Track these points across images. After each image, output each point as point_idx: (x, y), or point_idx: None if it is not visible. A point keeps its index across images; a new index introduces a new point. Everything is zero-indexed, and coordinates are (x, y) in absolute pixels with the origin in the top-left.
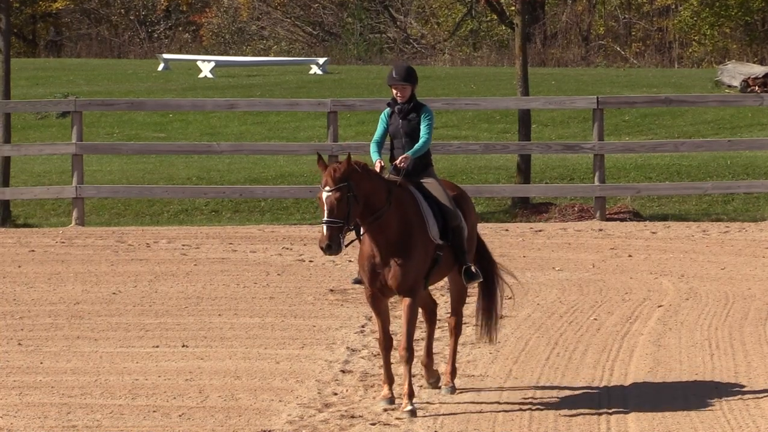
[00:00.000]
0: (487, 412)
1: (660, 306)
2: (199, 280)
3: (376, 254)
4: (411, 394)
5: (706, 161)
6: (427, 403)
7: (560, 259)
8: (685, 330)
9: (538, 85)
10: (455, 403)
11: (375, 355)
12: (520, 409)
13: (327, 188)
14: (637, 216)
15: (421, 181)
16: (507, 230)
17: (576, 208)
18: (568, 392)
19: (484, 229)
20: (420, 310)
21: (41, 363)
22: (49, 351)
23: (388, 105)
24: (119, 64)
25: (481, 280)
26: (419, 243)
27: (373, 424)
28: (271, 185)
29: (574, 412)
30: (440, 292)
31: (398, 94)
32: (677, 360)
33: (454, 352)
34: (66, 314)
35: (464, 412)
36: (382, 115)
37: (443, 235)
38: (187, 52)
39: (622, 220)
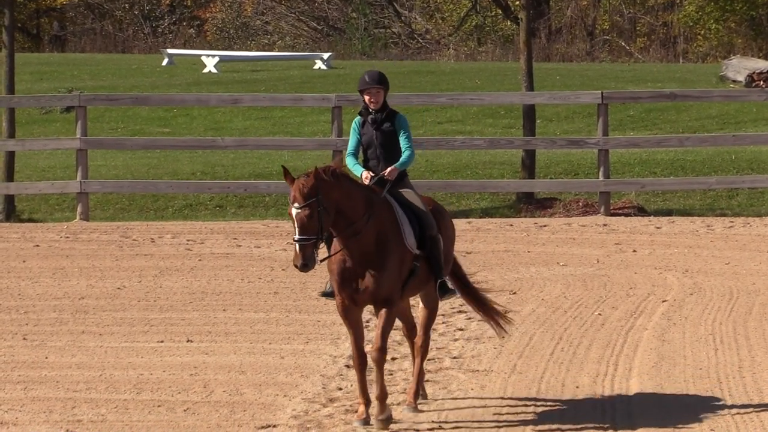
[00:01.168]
0: (491, 407)
1: (664, 301)
2: (204, 275)
3: (347, 260)
4: (384, 396)
5: (711, 156)
6: (432, 399)
7: (565, 254)
8: (690, 325)
9: (542, 80)
10: (460, 398)
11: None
12: (525, 405)
13: (296, 205)
14: (641, 211)
15: (398, 190)
16: (511, 225)
17: (580, 203)
18: (572, 387)
19: (489, 225)
20: (403, 326)
21: (46, 358)
22: (54, 346)
23: (360, 114)
24: (123, 59)
25: (457, 296)
26: (395, 252)
27: (378, 420)
28: (275, 180)
29: (578, 407)
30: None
31: (371, 100)
32: (681, 355)
33: (420, 372)
34: (71, 309)
35: (469, 407)
36: (354, 125)
37: (420, 245)
38: (192, 47)
39: (627, 215)
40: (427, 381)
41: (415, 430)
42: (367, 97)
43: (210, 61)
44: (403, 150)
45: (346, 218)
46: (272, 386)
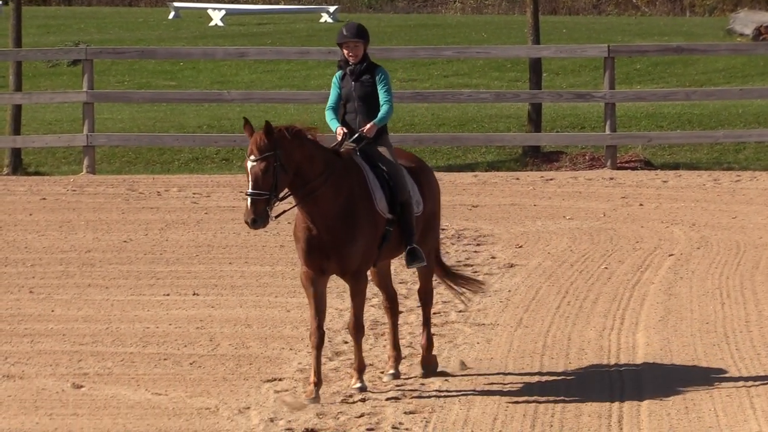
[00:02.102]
0: (497, 359)
1: (671, 255)
2: (210, 229)
3: (312, 228)
4: (362, 369)
5: (718, 110)
6: (437, 354)
7: (571, 207)
8: (696, 279)
9: (549, 33)
10: (466, 351)
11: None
12: (531, 358)
13: (252, 157)
14: (648, 165)
15: (373, 148)
16: (518, 179)
17: (587, 157)
18: (578, 341)
19: (495, 178)
20: (382, 295)
21: (52, 311)
22: (60, 299)
23: (339, 67)
24: (130, 13)
25: (425, 264)
26: (365, 218)
27: (383, 372)
28: None
29: (584, 359)
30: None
31: (350, 54)
32: (688, 309)
33: (428, 322)
34: (77, 262)
35: (476, 359)
36: (334, 79)
37: (392, 209)
38: (198, 1)
39: (633, 168)
40: (434, 335)
41: (421, 383)
42: (345, 51)
43: (216, 14)
44: (381, 104)
45: (303, 179)
46: (278, 339)
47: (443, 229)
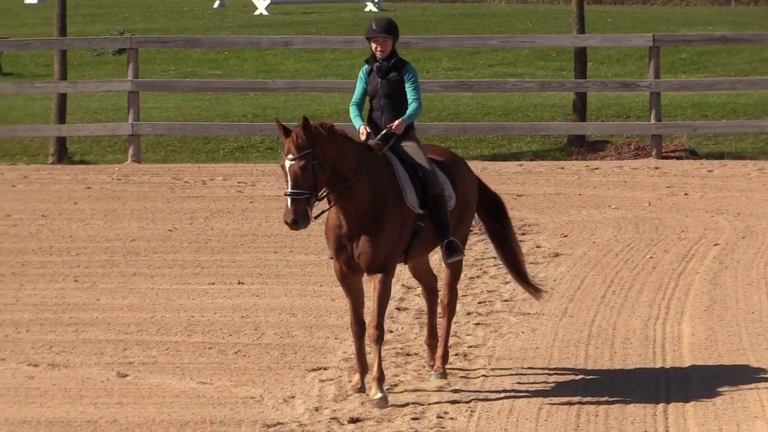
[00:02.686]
0: (542, 348)
1: (716, 244)
2: (255, 218)
3: (343, 224)
4: (381, 379)
5: (763, 99)
6: (482, 343)
7: (616, 197)
8: (741, 268)
9: (594, 22)
10: (511, 341)
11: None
12: (576, 347)
13: (290, 156)
14: (693, 154)
15: (401, 144)
16: (563, 168)
17: (632, 146)
18: (623, 330)
19: (540, 167)
20: (421, 286)
21: (97, 300)
22: (106, 288)
23: (367, 62)
24: (175, 2)
25: (463, 257)
26: (394, 213)
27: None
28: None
29: (629, 348)
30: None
31: (378, 49)
32: (733, 298)
33: (447, 334)
34: (122, 251)
35: (521, 348)
36: (360, 74)
37: (423, 203)
38: None
39: (679, 158)
40: (478, 324)
41: (466, 372)
42: (374, 45)
43: (261, 3)
44: (409, 102)
45: (339, 175)
46: (323, 329)
47: None
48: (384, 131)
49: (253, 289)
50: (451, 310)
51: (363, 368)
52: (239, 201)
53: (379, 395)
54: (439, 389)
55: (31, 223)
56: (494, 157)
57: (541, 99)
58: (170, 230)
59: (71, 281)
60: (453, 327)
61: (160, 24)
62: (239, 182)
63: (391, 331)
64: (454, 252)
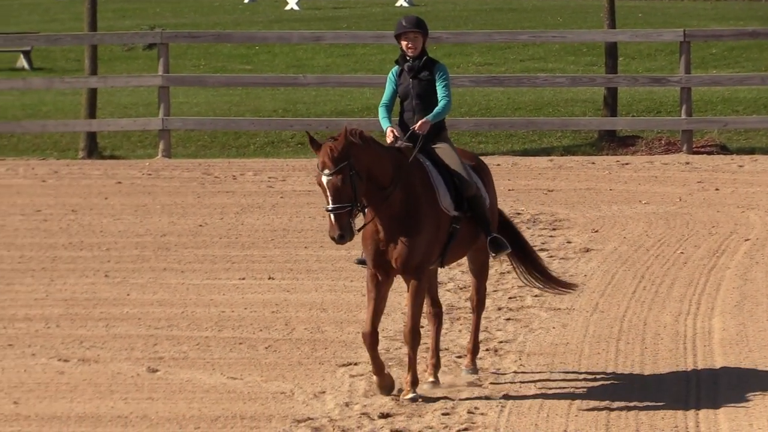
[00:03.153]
0: (573, 344)
1: (747, 240)
2: (286, 213)
3: (380, 230)
4: (415, 382)
5: None
6: (513, 338)
7: (647, 192)
8: None
9: (624, 17)
10: (542, 336)
11: (461, 288)
12: (607, 343)
13: (326, 171)
14: (724, 149)
15: (433, 146)
16: (593, 163)
17: (663, 141)
18: (654, 326)
19: (571, 162)
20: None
21: (128, 295)
22: (136, 283)
23: (396, 63)
24: None
25: (510, 250)
26: (428, 216)
27: (459, 357)
28: (357, 117)
29: (659, 344)
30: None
31: (409, 46)
32: (764, 294)
33: (477, 328)
34: (153, 246)
35: (551, 344)
36: (390, 75)
37: (458, 206)
38: None
39: (709, 153)
40: (509, 319)
41: (497, 367)
42: (404, 43)
43: None
44: (439, 99)
45: (376, 184)
46: (353, 324)
47: (519, 213)
48: (409, 132)
49: (284, 284)
50: (480, 306)
51: (379, 368)
52: (270, 196)
53: (412, 395)
54: (470, 384)
55: (61, 218)
56: (525, 152)
57: (572, 94)
58: (201, 225)
59: (102, 276)
60: (483, 322)
61: (190, 19)
62: (270, 177)
63: (422, 327)
64: (500, 247)
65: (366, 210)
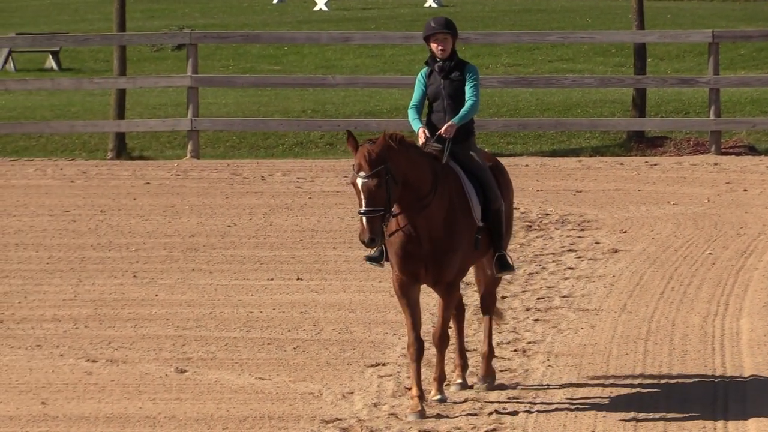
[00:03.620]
0: (601, 345)
1: None
2: (314, 213)
3: (411, 233)
4: (442, 380)
5: None
6: (541, 339)
7: (675, 193)
8: None
9: (653, 18)
10: (570, 337)
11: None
12: (635, 343)
13: (362, 174)
14: (752, 150)
15: (463, 154)
16: (622, 164)
17: (691, 142)
18: (682, 327)
19: (599, 163)
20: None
21: (156, 295)
22: (164, 283)
23: (426, 64)
24: None
25: (515, 271)
26: (464, 227)
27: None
28: (386, 118)
29: (687, 345)
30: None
31: (439, 47)
32: None
33: (491, 331)
34: (181, 246)
35: (579, 344)
36: (419, 76)
37: (484, 217)
38: None
39: (738, 154)
40: (537, 320)
41: (525, 368)
42: (434, 45)
43: None
44: (466, 99)
45: (413, 191)
46: (382, 324)
47: (547, 214)
48: (435, 135)
49: (312, 284)
50: (492, 309)
51: (421, 393)
52: (298, 197)
53: (438, 396)
54: (499, 385)
55: (89, 219)
56: (553, 153)
57: (601, 95)
58: (229, 226)
59: (130, 277)
60: (512, 323)
61: (219, 19)
62: (298, 178)
63: (450, 327)
64: (505, 267)
65: (395, 218)
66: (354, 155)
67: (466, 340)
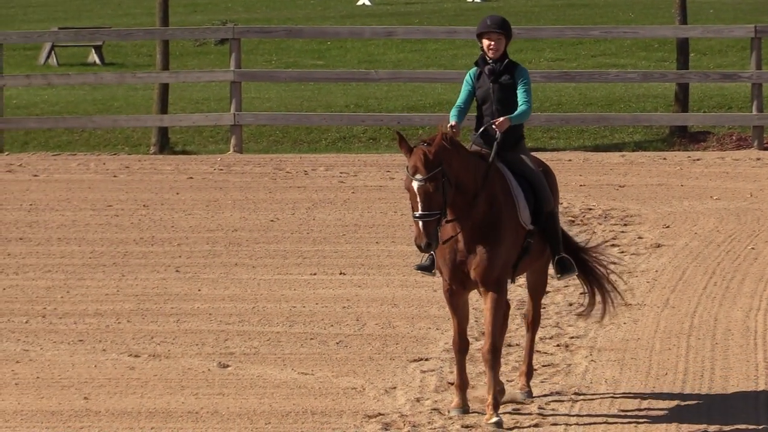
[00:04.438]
0: (644, 339)
1: None
2: (357, 208)
3: (459, 240)
4: (497, 405)
5: None
6: (583, 334)
7: (718, 188)
8: None
9: (696, 13)
10: (613, 332)
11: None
12: (678, 338)
13: (418, 176)
14: None
15: (514, 154)
16: (665, 159)
17: (734, 137)
18: (725, 321)
19: (642, 158)
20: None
21: (199, 290)
22: (207, 278)
23: (476, 64)
24: None
25: (576, 273)
26: (509, 229)
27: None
28: (429, 113)
29: (730, 339)
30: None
31: (491, 46)
32: None
33: (532, 349)
34: (224, 241)
35: (622, 339)
36: (467, 77)
37: (534, 219)
38: None
39: None
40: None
41: (567, 364)
42: (486, 42)
43: None
44: (519, 103)
45: (463, 193)
46: (424, 319)
47: (590, 209)
48: (484, 126)
49: (355, 279)
50: (535, 326)
51: (463, 383)
52: (341, 191)
53: (495, 419)
54: (541, 380)
55: (132, 214)
56: (596, 148)
57: (643, 90)
58: (272, 220)
59: (173, 271)
60: (554, 318)
61: (262, 14)
62: (341, 172)
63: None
64: (566, 270)
65: (449, 224)
66: (407, 157)
67: (508, 335)
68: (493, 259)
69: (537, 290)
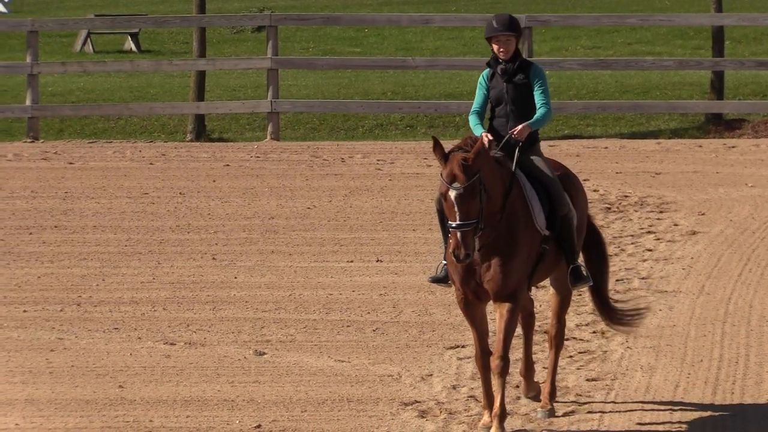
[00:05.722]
0: (679, 326)
1: None
2: (394, 195)
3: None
4: (503, 417)
5: None
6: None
7: (753, 175)
8: None
9: (731, 2)
10: (649, 319)
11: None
12: (713, 325)
13: (456, 185)
14: None
15: (527, 157)
16: (700, 146)
17: None
18: (760, 308)
19: (678, 145)
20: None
21: (235, 278)
22: (244, 266)
23: (488, 65)
24: None
25: (591, 284)
26: (525, 236)
27: (567, 339)
28: (466, 101)
29: (765, 326)
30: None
31: (500, 50)
32: None
33: (554, 368)
34: (260, 229)
35: (657, 326)
36: (481, 79)
37: (550, 224)
38: None
39: None
40: (616, 302)
41: (603, 351)
42: (495, 46)
43: None
44: (538, 106)
45: (493, 202)
46: None
47: (627, 196)
48: (505, 138)
49: (392, 266)
50: (559, 342)
51: (491, 403)
52: (378, 179)
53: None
54: (578, 367)
55: (168, 201)
56: (632, 135)
57: (679, 77)
58: (309, 208)
59: (209, 259)
60: (591, 305)
61: (299, 1)
62: (378, 160)
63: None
64: (580, 279)
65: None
66: (442, 164)
67: (544, 321)
68: (507, 272)
69: (563, 303)
